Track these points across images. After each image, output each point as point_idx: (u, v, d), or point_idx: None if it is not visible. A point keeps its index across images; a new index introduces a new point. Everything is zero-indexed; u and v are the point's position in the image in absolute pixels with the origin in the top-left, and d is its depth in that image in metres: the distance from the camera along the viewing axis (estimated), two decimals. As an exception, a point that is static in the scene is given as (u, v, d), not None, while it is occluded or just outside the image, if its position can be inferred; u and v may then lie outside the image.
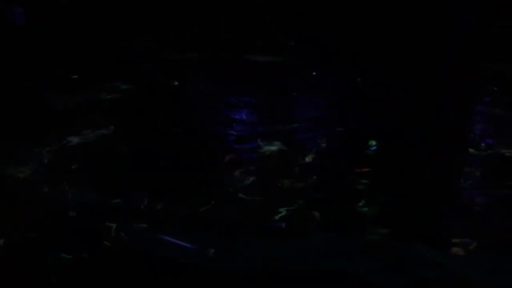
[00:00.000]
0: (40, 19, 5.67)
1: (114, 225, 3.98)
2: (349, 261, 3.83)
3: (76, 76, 5.25)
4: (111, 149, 4.92)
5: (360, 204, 4.77)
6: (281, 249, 4.07)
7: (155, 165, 5.00)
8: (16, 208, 4.09)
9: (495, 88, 5.09)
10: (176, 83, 5.25)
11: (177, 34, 5.33)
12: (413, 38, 4.98)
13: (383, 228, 4.50)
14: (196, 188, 4.94)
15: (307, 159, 5.15)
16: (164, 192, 4.76)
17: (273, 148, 5.25)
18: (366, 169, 4.95)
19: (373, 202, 4.73)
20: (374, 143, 5.13)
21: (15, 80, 5.09)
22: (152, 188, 4.74)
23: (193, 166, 5.09)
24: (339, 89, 5.41)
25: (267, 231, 4.41)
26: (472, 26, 4.76)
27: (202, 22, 5.11)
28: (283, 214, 4.71)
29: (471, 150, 4.91)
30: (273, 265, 3.83)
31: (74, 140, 4.89)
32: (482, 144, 5.16)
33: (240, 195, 4.96)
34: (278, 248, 4.10)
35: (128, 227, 4.02)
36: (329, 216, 4.68)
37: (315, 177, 5.02)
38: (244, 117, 5.39)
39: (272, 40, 5.30)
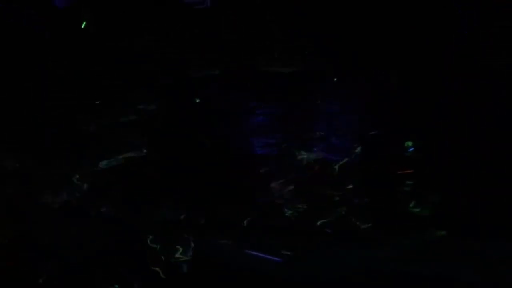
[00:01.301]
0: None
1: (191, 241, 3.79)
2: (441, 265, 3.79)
3: (99, 98, 5.00)
4: (150, 168, 4.69)
5: (412, 205, 4.74)
6: (361, 255, 3.98)
7: (197, 182, 4.81)
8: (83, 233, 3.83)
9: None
10: (198, 98, 5.08)
11: (177, 33, 5.17)
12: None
13: (443, 228, 4.49)
14: (242, 201, 4.78)
15: (344, 165, 5.07)
16: (215, 207, 4.59)
17: (309, 156, 5.14)
18: (409, 171, 4.93)
19: (426, 203, 4.71)
20: (410, 143, 5.13)
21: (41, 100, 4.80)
22: (203, 203, 4.56)
23: (232, 181, 4.92)
24: (368, 92, 5.39)
25: (334, 238, 4.31)
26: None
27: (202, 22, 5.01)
28: (338, 220, 4.62)
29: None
30: (362, 271, 3.74)
31: (108, 163, 4.62)
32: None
33: (288, 204, 4.84)
34: (357, 254, 4.02)
35: (205, 241, 3.84)
36: (387, 220, 4.62)
37: (357, 182, 4.95)
38: (272, 127, 5.26)
39: (282, 46, 5.22)
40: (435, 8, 5.16)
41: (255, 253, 3.80)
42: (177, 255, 3.83)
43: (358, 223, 4.55)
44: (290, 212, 4.77)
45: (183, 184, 4.53)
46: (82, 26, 5.06)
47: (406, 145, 5.08)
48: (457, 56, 5.17)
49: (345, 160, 5.06)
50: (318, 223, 4.46)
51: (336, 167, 5.03)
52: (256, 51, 5.26)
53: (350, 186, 4.90)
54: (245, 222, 4.60)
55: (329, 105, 5.27)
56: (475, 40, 5.09)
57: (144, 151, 4.65)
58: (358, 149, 5.14)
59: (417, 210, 4.69)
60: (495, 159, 4.64)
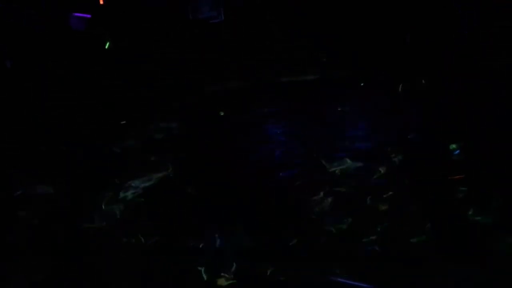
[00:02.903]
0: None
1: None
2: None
3: (124, 120, 4.52)
4: (178, 190, 4.16)
5: (472, 212, 4.32)
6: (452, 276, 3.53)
7: (232, 203, 4.30)
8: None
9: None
10: (221, 114, 4.60)
11: (193, 48, 4.73)
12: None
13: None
14: (284, 221, 4.28)
15: (382, 173, 4.62)
16: (260, 229, 4.07)
17: (342, 166, 4.67)
18: (460, 176, 4.52)
19: (488, 208, 4.29)
20: (455, 146, 4.72)
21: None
22: (246, 226, 4.04)
23: (267, 199, 4.43)
24: (400, 96, 4.99)
25: (400, 256, 3.84)
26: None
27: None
28: (394, 235, 4.15)
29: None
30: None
31: (137, 184, 4.07)
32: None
33: (330, 221, 4.36)
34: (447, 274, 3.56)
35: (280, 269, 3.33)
36: (452, 232, 4.17)
37: (403, 191, 4.50)
38: (300, 139, 4.79)
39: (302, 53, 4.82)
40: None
41: (344, 280, 3.29)
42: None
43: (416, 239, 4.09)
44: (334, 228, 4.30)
45: (227, 206, 4.00)
46: (106, 47, 4.66)
47: (451, 148, 4.68)
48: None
49: (380, 167, 4.63)
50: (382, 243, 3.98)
51: (372, 175, 4.59)
52: (274, 61, 4.86)
53: (391, 195, 4.47)
54: (295, 243, 4.09)
55: (360, 111, 4.86)
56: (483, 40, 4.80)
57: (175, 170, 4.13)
58: (399, 156, 4.71)
59: (479, 218, 4.26)
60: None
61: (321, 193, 4.51)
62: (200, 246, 3.95)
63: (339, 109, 4.82)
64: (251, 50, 4.63)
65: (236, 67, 4.64)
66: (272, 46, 4.73)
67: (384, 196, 4.48)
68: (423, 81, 4.70)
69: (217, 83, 4.65)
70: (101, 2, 6.11)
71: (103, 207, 3.85)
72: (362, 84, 4.89)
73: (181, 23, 4.74)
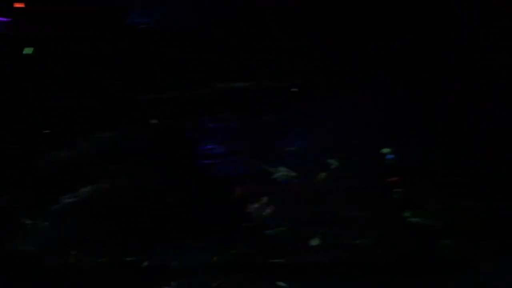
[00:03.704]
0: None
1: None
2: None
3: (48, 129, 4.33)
4: (111, 204, 4.04)
5: (408, 214, 4.44)
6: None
7: (167, 215, 4.23)
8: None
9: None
10: (153, 122, 4.48)
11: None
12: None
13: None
14: (223, 231, 4.26)
15: (320, 179, 4.68)
16: (196, 243, 4.03)
17: (280, 173, 4.69)
18: (396, 179, 4.64)
19: (423, 210, 4.42)
20: (388, 150, 4.84)
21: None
22: (183, 239, 3.99)
23: (204, 210, 4.40)
24: (337, 101, 5.06)
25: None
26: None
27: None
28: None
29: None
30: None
31: (66, 199, 3.90)
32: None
33: (272, 229, 4.37)
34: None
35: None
36: (393, 234, 4.27)
37: (343, 196, 4.58)
38: (237, 147, 4.76)
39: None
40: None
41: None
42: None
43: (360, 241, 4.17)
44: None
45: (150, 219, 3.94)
46: (29, 52, 4.46)
47: (384, 152, 4.79)
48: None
49: (324, 174, 4.69)
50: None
51: (312, 182, 4.65)
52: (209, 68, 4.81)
53: (337, 201, 4.53)
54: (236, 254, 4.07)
55: (300, 117, 4.88)
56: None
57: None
58: (335, 161, 4.78)
59: (416, 219, 4.39)
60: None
61: (262, 202, 4.51)
62: (135, 260, 3.87)
63: (275, 116, 4.83)
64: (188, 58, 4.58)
65: (172, 75, 4.57)
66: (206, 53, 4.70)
67: (324, 201, 4.53)
68: (357, 87, 4.79)
69: (152, 92, 4.56)
70: (21, 5, 5.90)
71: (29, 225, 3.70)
72: (296, 90, 4.92)
73: (113, 28, 4.61)
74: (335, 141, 4.77)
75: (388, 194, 4.50)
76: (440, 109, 4.53)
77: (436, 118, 4.48)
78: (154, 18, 4.82)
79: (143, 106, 4.47)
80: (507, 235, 4.04)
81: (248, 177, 4.60)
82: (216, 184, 4.54)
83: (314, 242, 4.21)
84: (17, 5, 6.02)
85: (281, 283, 3.84)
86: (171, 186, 4.37)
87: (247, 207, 4.44)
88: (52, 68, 4.81)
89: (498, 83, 4.44)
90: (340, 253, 4.16)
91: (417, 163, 4.57)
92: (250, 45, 4.77)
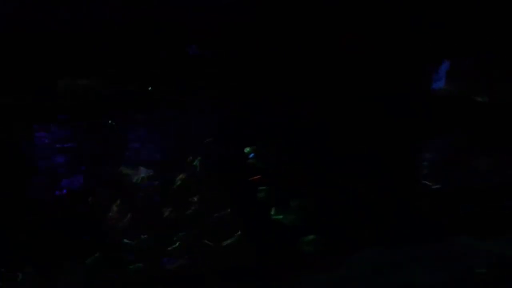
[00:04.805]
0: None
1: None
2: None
3: None
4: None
5: (273, 213, 4.32)
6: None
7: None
8: None
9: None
10: None
11: None
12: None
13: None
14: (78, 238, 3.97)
15: (183, 180, 4.46)
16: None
17: (140, 177, 4.43)
18: (257, 177, 4.51)
19: (287, 208, 4.31)
20: (249, 149, 4.71)
21: None
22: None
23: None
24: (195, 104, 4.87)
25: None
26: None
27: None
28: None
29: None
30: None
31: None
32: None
33: (131, 234, 4.13)
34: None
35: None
36: (259, 232, 4.13)
37: (205, 195, 4.40)
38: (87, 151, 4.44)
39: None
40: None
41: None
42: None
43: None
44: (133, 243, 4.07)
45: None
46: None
47: (246, 151, 4.66)
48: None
49: (184, 174, 4.48)
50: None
51: (177, 182, 4.44)
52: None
53: (198, 201, 4.34)
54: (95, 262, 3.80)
55: (155, 121, 4.63)
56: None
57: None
58: (196, 160, 4.59)
59: (280, 217, 4.28)
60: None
61: (118, 206, 4.25)
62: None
63: (127, 119, 4.57)
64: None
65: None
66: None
67: (189, 202, 4.34)
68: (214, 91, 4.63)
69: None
70: None
71: None
72: (150, 89, 4.67)
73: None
74: (192, 142, 4.58)
75: (251, 193, 4.38)
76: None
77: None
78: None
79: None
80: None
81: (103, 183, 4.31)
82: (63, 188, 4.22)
83: (173, 245, 4.01)
84: None
85: None
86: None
87: (102, 216, 4.16)
88: None
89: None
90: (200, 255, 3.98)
91: (276, 163, 4.47)
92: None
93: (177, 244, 4.04)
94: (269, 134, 4.60)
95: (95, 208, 4.18)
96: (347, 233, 4.06)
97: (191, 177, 4.46)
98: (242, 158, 4.57)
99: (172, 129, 4.66)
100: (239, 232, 4.03)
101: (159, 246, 4.03)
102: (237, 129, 4.63)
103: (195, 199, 4.33)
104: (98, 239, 3.98)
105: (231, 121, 4.62)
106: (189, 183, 4.42)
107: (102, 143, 4.51)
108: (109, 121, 4.61)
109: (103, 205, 4.20)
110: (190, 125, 4.66)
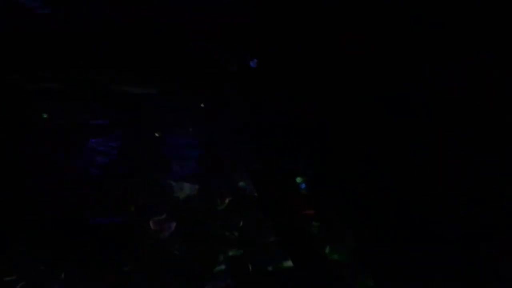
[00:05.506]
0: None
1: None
2: None
3: None
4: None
5: (327, 251, 3.96)
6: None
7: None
8: None
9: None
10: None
11: None
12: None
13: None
14: (122, 248, 3.60)
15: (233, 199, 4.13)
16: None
17: (185, 192, 4.07)
18: (311, 211, 4.17)
19: (342, 246, 3.96)
20: (301, 180, 4.39)
21: None
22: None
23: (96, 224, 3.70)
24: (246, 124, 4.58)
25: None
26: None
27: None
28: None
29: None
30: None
31: None
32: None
33: (176, 248, 3.76)
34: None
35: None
36: (308, 266, 3.76)
37: (252, 219, 4.05)
38: (128, 156, 4.09)
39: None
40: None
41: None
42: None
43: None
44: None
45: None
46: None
47: (298, 182, 4.34)
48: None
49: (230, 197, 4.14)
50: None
51: (226, 201, 4.10)
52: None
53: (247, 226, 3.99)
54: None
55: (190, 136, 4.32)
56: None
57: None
58: (242, 183, 4.27)
59: (335, 256, 3.92)
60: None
61: (164, 218, 3.91)
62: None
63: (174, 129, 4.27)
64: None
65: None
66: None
67: (234, 224, 4.01)
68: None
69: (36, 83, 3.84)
70: None
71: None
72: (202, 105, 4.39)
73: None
74: (243, 165, 4.27)
75: (304, 227, 4.05)
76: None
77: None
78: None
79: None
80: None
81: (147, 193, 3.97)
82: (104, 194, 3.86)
83: (222, 266, 3.66)
84: None
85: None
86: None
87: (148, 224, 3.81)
88: None
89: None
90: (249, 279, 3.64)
91: (331, 196, 4.16)
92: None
93: (222, 266, 3.68)
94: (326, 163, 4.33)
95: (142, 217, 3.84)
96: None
97: (237, 199, 4.14)
98: (293, 187, 4.27)
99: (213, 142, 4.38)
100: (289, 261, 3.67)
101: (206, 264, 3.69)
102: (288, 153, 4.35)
103: (241, 223, 3.99)
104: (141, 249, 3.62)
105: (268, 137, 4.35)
106: (235, 205, 4.09)
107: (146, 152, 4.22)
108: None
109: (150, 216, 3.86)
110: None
